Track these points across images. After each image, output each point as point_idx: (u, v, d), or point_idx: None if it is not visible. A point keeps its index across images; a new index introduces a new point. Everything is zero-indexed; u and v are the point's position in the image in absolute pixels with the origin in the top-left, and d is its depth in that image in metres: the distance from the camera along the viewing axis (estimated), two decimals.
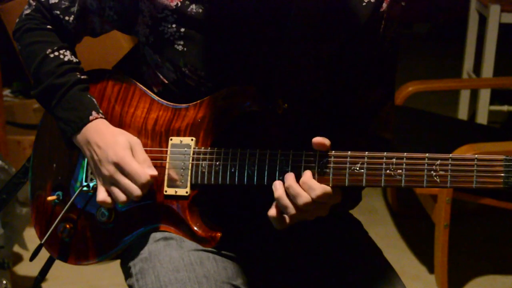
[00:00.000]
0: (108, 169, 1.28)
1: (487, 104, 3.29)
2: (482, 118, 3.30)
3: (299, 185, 1.20)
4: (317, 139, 1.20)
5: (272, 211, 1.23)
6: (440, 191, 2.38)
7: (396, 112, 2.86)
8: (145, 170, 1.27)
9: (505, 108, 3.42)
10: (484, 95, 3.29)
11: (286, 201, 1.20)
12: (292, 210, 1.20)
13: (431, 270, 2.62)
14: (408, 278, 2.56)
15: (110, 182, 1.29)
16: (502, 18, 3.18)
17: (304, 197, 1.19)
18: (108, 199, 1.30)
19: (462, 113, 3.59)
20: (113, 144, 1.28)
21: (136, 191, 1.27)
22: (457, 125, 3.10)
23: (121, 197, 1.28)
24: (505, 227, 2.98)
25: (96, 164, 1.30)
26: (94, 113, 1.32)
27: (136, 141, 1.30)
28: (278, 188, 1.21)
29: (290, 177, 1.21)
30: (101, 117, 1.33)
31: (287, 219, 1.22)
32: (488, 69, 3.24)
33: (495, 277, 2.62)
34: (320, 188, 1.18)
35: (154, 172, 1.28)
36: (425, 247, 2.73)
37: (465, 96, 3.58)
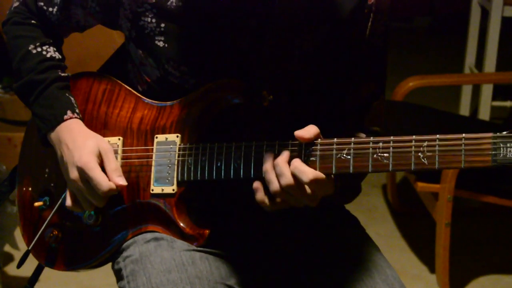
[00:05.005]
0: (73, 173, 1.28)
1: (490, 99, 3.30)
2: (484, 114, 3.30)
3: (290, 170, 1.17)
4: (296, 133, 1.18)
5: (260, 195, 1.19)
6: (441, 189, 2.37)
7: (396, 108, 2.87)
8: (113, 179, 1.26)
9: (508, 103, 3.44)
10: (486, 90, 3.30)
11: (272, 176, 1.17)
12: (276, 186, 1.16)
13: (432, 269, 2.60)
14: (408, 277, 2.56)
15: (74, 187, 1.29)
16: (505, 12, 3.18)
17: (287, 178, 1.15)
18: (75, 206, 1.32)
19: (464, 109, 3.59)
20: (81, 147, 1.28)
21: (97, 201, 1.28)
22: (459, 121, 3.09)
23: (85, 205, 1.30)
24: (508, 226, 2.97)
25: (65, 165, 1.31)
26: (69, 112, 1.33)
27: (107, 148, 1.30)
28: (267, 160, 1.19)
29: (281, 156, 1.18)
30: (76, 117, 1.33)
31: (274, 198, 1.19)
32: (490, 63, 3.24)
33: (498, 277, 2.61)
34: (311, 173, 1.15)
35: (123, 182, 1.27)
36: (426, 246, 2.72)
37: (467, 92, 3.58)
